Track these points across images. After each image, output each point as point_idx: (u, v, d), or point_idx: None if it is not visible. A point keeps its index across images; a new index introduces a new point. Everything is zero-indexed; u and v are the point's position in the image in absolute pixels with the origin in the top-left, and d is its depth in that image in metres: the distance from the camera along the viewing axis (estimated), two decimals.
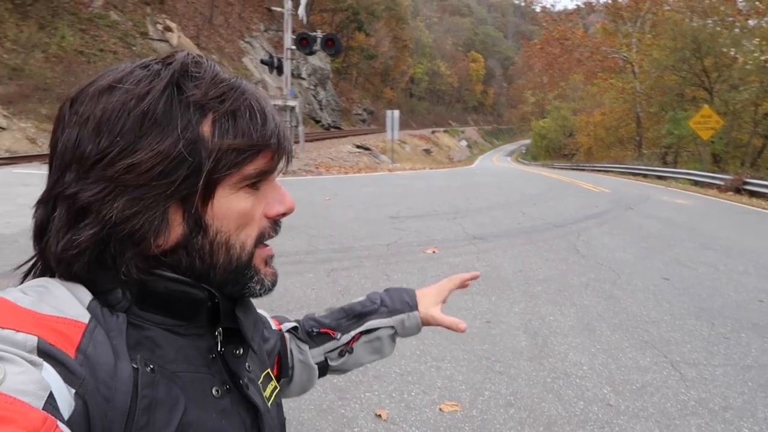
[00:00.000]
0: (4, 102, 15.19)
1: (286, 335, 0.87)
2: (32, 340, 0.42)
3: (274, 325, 0.86)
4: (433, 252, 6.17)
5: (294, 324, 0.90)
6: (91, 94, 0.52)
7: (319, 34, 15.88)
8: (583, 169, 29.76)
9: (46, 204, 0.52)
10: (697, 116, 20.37)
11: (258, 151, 0.55)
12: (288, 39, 16.45)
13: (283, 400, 0.74)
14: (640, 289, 5.13)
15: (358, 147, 26.94)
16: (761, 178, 15.47)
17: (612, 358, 3.59)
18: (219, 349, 0.60)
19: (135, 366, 0.49)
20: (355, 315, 0.92)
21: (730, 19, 27.84)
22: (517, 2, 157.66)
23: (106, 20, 22.15)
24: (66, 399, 0.42)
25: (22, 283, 0.53)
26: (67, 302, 0.49)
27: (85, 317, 0.48)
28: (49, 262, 0.52)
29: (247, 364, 0.62)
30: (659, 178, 21.15)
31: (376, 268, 5.44)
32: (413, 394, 3.05)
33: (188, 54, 0.56)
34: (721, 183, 16.40)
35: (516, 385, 3.18)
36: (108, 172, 0.50)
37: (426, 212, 8.91)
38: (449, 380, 3.22)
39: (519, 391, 3.11)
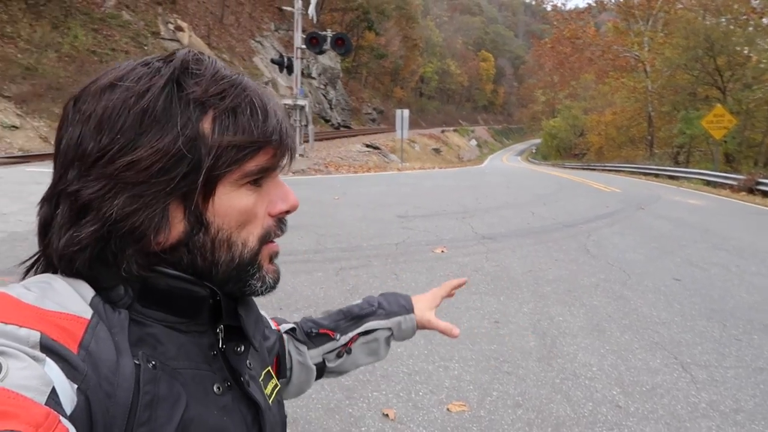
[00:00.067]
0: (17, 101, 15.35)
1: (285, 336, 0.87)
2: (35, 336, 0.43)
3: (273, 326, 0.86)
4: (442, 251, 6.16)
5: (292, 325, 0.90)
6: (93, 92, 0.52)
7: (329, 33, 15.90)
8: (594, 169, 29.59)
9: (50, 201, 0.53)
10: (710, 115, 20.20)
11: (259, 147, 0.55)
12: (298, 38, 16.48)
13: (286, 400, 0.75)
14: (651, 289, 5.09)
15: (368, 146, 26.95)
16: None
17: (621, 359, 3.57)
18: (220, 346, 0.60)
19: (137, 362, 0.49)
20: (354, 317, 0.93)
21: (744, 17, 27.57)
22: (527, 1, 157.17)
23: (118, 20, 22.31)
24: (68, 394, 0.42)
25: (23, 279, 0.54)
26: (69, 298, 0.49)
27: (87, 313, 0.48)
28: (52, 258, 0.53)
29: (248, 361, 0.62)
30: (671, 178, 20.99)
31: (385, 267, 5.44)
32: (421, 393, 3.04)
33: (189, 51, 0.56)
34: (734, 183, 16.25)
35: (524, 386, 3.17)
36: (108, 169, 0.50)
37: (435, 212, 8.89)
38: (457, 380, 3.21)
39: (527, 392, 3.10)
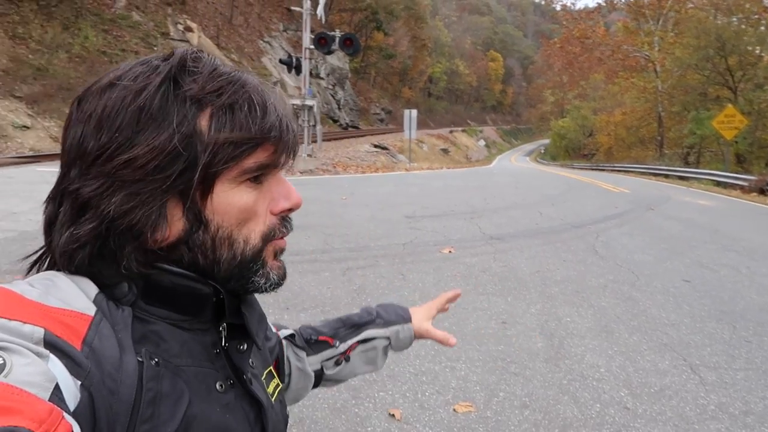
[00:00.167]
0: (28, 101, 15.49)
1: (284, 342, 0.87)
2: (39, 332, 0.43)
3: (273, 330, 0.86)
4: (450, 252, 6.14)
5: (291, 332, 0.90)
6: (94, 92, 0.53)
7: (337, 33, 15.90)
8: (603, 170, 29.42)
9: (54, 200, 0.54)
10: (721, 116, 20.03)
11: (257, 144, 0.55)
12: (306, 38, 16.50)
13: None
14: (660, 291, 5.05)
15: (376, 146, 26.93)
16: None
17: (630, 361, 3.54)
18: (223, 344, 0.60)
19: (140, 359, 0.49)
20: (353, 325, 0.94)
21: (756, 16, 27.31)
22: (537, 1, 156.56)
23: (128, 21, 22.46)
24: (72, 391, 0.42)
25: (27, 276, 0.54)
26: (73, 295, 0.49)
27: (91, 310, 0.49)
28: (54, 255, 0.54)
29: (250, 360, 0.63)
30: (681, 178, 20.83)
31: (392, 267, 5.44)
32: (427, 394, 3.04)
33: (188, 50, 0.56)
34: (745, 184, 16.09)
35: (531, 387, 3.15)
36: (106, 167, 0.51)
37: (443, 212, 8.88)
38: (464, 381, 3.20)
39: (534, 393, 3.08)
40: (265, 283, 0.59)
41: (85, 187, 0.51)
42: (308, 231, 6.61)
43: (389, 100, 60.08)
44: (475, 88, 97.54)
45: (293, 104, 15.49)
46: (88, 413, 0.43)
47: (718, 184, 17.82)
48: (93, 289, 0.51)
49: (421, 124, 42.20)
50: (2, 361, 0.39)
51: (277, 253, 0.61)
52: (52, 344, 0.43)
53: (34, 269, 0.56)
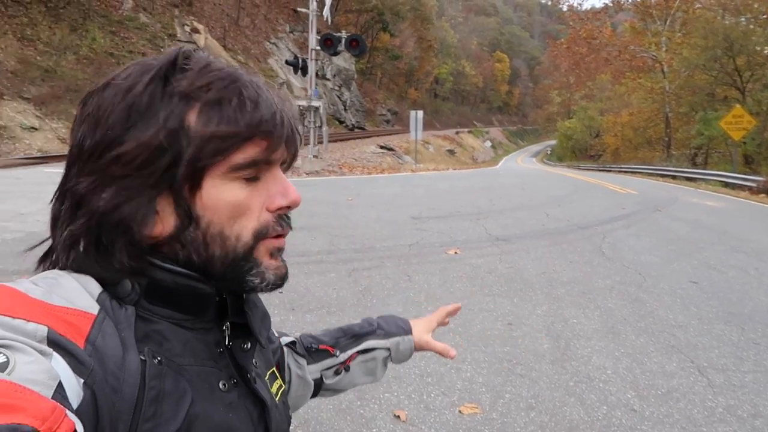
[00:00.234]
0: (36, 103, 15.60)
1: (285, 349, 0.87)
2: (42, 330, 0.43)
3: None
4: (456, 253, 6.13)
5: (292, 339, 0.90)
6: (94, 93, 0.55)
7: (343, 34, 15.92)
8: (610, 171, 29.32)
9: (59, 199, 0.55)
10: (729, 116, 19.93)
11: (245, 138, 0.54)
12: (313, 40, 16.53)
13: None
14: (667, 292, 5.02)
15: (382, 147, 26.94)
16: None
17: (637, 363, 3.52)
18: (227, 343, 0.60)
19: (143, 358, 0.49)
20: (354, 335, 0.94)
21: (764, 16, 27.13)
22: (543, 1, 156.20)
23: (135, 22, 22.58)
24: (75, 389, 0.42)
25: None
26: (76, 294, 0.50)
27: (94, 309, 0.49)
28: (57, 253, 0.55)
29: (254, 359, 0.63)
30: (688, 179, 20.73)
31: (398, 268, 5.43)
32: (433, 395, 3.03)
33: (181, 48, 0.57)
34: (753, 185, 16.00)
35: (537, 388, 3.14)
36: (98, 164, 0.52)
37: (449, 213, 8.87)
38: (469, 382, 3.20)
39: (540, 395, 3.07)
40: (261, 283, 0.58)
41: (80, 184, 0.52)
42: (314, 232, 6.61)
43: (395, 101, 60.06)
44: (482, 89, 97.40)
45: (299, 105, 15.51)
46: (90, 411, 0.43)
47: (726, 185, 17.72)
48: (96, 287, 0.52)
49: (427, 125, 42.24)
50: (5, 359, 0.39)
51: (273, 253, 0.59)
52: (55, 342, 0.43)
53: (41, 268, 0.57)
